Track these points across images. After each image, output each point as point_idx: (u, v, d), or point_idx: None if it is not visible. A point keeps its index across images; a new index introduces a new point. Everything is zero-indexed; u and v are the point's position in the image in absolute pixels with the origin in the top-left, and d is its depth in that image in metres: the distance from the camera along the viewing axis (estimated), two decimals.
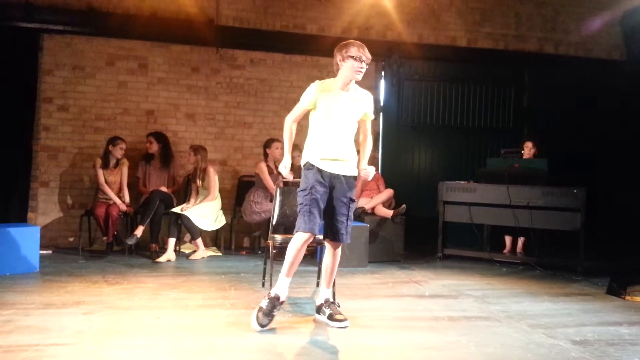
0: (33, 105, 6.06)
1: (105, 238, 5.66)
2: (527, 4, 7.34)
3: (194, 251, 5.80)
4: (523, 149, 6.29)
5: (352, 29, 6.79)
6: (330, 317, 3.36)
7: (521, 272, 5.51)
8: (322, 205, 3.32)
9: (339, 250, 3.50)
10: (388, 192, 6.14)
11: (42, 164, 6.14)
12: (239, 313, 3.54)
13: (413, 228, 6.25)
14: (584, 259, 5.38)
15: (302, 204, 3.31)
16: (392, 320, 3.56)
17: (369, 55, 3.30)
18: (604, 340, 3.23)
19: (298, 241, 3.26)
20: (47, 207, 6.16)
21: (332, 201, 3.37)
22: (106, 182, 5.75)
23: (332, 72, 3.44)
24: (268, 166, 5.98)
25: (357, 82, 3.42)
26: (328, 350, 2.94)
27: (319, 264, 4.08)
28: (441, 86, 7.29)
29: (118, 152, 5.80)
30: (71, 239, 6.12)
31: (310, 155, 3.40)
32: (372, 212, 5.98)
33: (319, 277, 4.16)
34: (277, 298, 3.25)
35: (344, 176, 3.38)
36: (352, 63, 3.27)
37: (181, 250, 6.00)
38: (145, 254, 5.68)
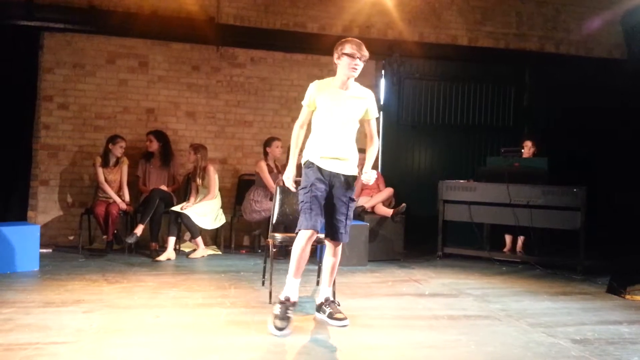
0: (33, 104, 6.06)
1: (105, 237, 5.66)
2: (528, 3, 7.33)
3: (194, 250, 5.80)
4: (523, 148, 6.29)
5: (353, 28, 6.78)
6: (331, 316, 3.36)
7: (521, 271, 5.51)
8: (322, 203, 3.31)
9: (340, 249, 3.50)
10: (388, 191, 6.14)
11: (42, 163, 6.14)
12: (239, 312, 3.54)
13: (413, 227, 6.26)
14: (584, 258, 5.38)
15: (303, 201, 3.30)
16: (392, 319, 3.56)
17: (365, 53, 3.29)
18: (603, 339, 3.23)
19: (301, 240, 3.26)
20: (47, 206, 6.16)
21: (331, 200, 3.37)
22: (106, 180, 5.75)
23: (332, 71, 3.44)
24: (268, 165, 5.98)
25: (357, 80, 3.42)
26: (328, 349, 2.94)
27: (319, 263, 4.08)
28: (442, 85, 7.29)
29: (118, 150, 5.80)
30: (71, 238, 6.12)
31: (310, 153, 3.40)
32: (372, 211, 5.98)
33: (319, 275, 4.16)
34: (287, 300, 3.22)
35: (343, 175, 3.37)
36: (347, 60, 3.27)
37: (181, 249, 5.99)
38: (145, 252, 5.68)
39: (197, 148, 5.85)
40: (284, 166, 6.22)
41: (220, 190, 6.02)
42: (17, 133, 5.95)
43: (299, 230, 3.28)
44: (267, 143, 6.07)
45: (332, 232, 3.41)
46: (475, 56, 7.21)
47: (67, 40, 6.18)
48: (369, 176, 3.33)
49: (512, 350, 2.97)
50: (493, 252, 6.05)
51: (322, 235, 3.47)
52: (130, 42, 6.34)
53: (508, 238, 6.26)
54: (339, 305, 3.49)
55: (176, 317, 3.39)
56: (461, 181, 6.02)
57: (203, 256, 5.70)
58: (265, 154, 6.06)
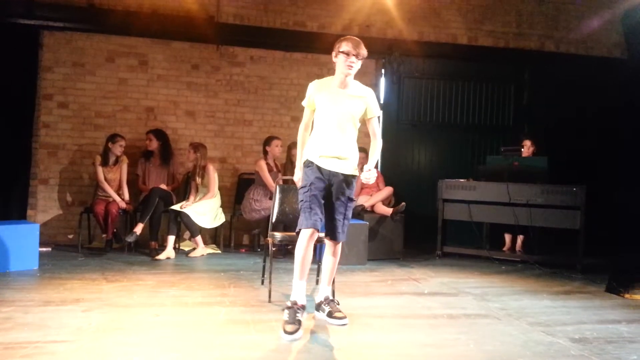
0: (33, 102, 6.06)
1: (104, 235, 5.65)
2: (528, 2, 7.32)
3: (194, 249, 5.80)
4: (522, 147, 6.29)
5: (352, 27, 6.78)
6: (330, 315, 3.36)
7: (520, 270, 5.51)
8: (322, 202, 3.31)
9: (339, 248, 3.49)
10: (387, 190, 6.14)
11: (41, 161, 6.14)
12: (238, 310, 3.54)
13: (412, 226, 6.25)
14: (583, 257, 5.38)
15: (303, 200, 3.30)
16: (391, 317, 3.56)
17: (362, 51, 3.27)
18: (602, 338, 3.23)
19: (303, 239, 3.25)
20: (46, 205, 6.16)
21: (330, 199, 3.36)
22: (106, 179, 5.75)
23: (332, 70, 3.44)
24: (268, 164, 5.98)
25: (357, 79, 3.41)
26: (327, 348, 2.94)
27: (319, 262, 4.08)
28: (441, 84, 7.29)
29: (117, 149, 5.80)
30: (70, 237, 6.12)
31: (309, 152, 3.39)
32: (372, 210, 5.98)
33: (318, 274, 4.16)
34: (295, 304, 3.20)
35: (342, 174, 3.36)
36: (342, 58, 3.26)
37: (180, 247, 6.00)
38: (145, 251, 5.68)
39: (197, 147, 5.85)
40: (284, 165, 6.26)
41: (219, 189, 6.01)
42: (17, 132, 5.95)
43: (299, 229, 3.27)
44: (267, 142, 6.06)
45: (329, 231, 3.41)
46: (475, 55, 7.20)
47: (67, 38, 6.18)
48: (369, 175, 3.23)
49: (511, 349, 2.97)
50: (492, 251, 6.05)
51: (322, 234, 3.47)
52: (130, 41, 6.34)
53: (507, 237, 6.27)
54: (338, 304, 3.49)
55: (176, 316, 3.39)
56: (461, 180, 6.02)
57: (202, 255, 5.70)
58: (265, 153, 6.06)
